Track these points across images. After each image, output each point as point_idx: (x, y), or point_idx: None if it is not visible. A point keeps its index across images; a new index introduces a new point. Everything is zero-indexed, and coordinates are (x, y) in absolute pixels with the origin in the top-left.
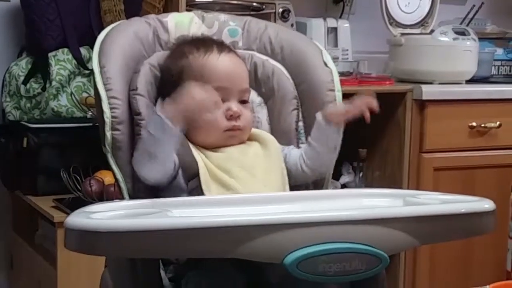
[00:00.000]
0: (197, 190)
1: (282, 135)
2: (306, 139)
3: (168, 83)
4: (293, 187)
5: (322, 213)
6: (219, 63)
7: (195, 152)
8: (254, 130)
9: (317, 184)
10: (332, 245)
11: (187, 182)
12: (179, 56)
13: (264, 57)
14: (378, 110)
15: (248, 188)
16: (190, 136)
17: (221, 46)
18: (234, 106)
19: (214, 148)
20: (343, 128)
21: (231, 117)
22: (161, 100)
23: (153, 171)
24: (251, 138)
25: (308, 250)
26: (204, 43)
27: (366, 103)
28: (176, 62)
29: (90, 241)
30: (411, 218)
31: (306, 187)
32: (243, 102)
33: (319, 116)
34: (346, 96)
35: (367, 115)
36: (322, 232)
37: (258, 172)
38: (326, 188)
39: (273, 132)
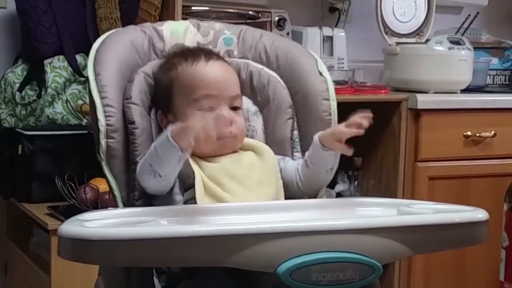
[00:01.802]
0: (192, 202)
1: (277, 144)
2: (301, 148)
3: (159, 95)
4: (288, 199)
5: (315, 222)
6: (207, 70)
7: (192, 162)
8: (249, 140)
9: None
10: (326, 255)
11: (183, 192)
12: (168, 68)
13: (260, 66)
14: (371, 122)
15: (240, 200)
16: None
17: (209, 54)
18: (226, 112)
19: (208, 157)
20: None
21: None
22: (161, 114)
23: (155, 185)
24: (245, 148)
25: (301, 259)
26: (192, 53)
27: (359, 123)
28: (166, 74)
29: (83, 249)
30: (405, 227)
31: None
32: (235, 108)
33: (316, 138)
34: (341, 105)
35: (361, 132)
36: (316, 241)
37: (251, 183)
38: (321, 196)
39: (268, 140)
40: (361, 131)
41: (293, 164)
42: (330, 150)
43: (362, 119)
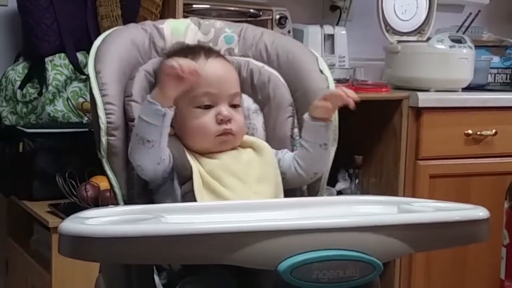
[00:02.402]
0: (190, 194)
1: (277, 142)
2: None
3: None
4: (288, 191)
5: (316, 220)
6: (206, 68)
7: (189, 157)
8: (248, 137)
9: (312, 189)
10: (326, 252)
11: (181, 185)
12: None
13: (260, 64)
14: (356, 99)
15: (239, 197)
16: (184, 142)
17: (209, 52)
18: (225, 110)
19: (208, 154)
20: (332, 125)
21: (222, 121)
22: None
23: (147, 158)
24: (245, 145)
25: (302, 257)
26: (192, 51)
27: (343, 94)
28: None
29: (84, 247)
30: (405, 225)
31: (301, 192)
32: (234, 106)
33: (306, 115)
34: None
35: (351, 103)
36: (316, 239)
37: (250, 180)
38: (321, 194)
39: (268, 138)
40: (351, 102)
41: (291, 154)
42: (318, 120)
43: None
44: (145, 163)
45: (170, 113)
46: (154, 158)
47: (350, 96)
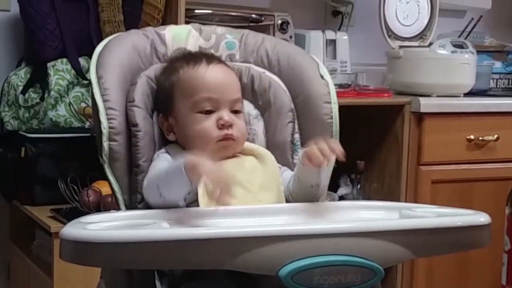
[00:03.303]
0: (194, 205)
1: (278, 147)
2: None
3: (160, 98)
4: None
5: (317, 226)
6: (208, 74)
7: None
8: (250, 145)
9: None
10: (327, 258)
11: (185, 197)
12: (170, 72)
13: (261, 70)
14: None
15: (243, 205)
16: (186, 148)
17: (210, 58)
18: (226, 115)
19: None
20: (327, 168)
21: (223, 126)
22: (161, 117)
23: (157, 203)
24: (246, 153)
25: (303, 262)
26: (194, 57)
27: (320, 156)
28: (167, 78)
29: (85, 252)
30: (407, 231)
31: None
32: (235, 112)
33: (299, 154)
34: (344, 108)
35: (332, 159)
36: (317, 244)
37: (252, 187)
38: (323, 199)
39: (269, 144)
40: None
41: (288, 176)
42: (312, 166)
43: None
44: (155, 206)
45: (195, 190)
46: (165, 206)
47: (332, 151)
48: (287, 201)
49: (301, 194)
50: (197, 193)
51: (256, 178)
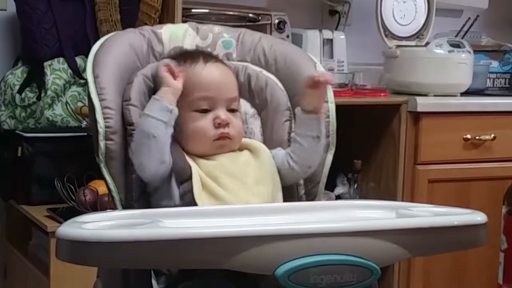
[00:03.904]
0: (189, 195)
1: (275, 146)
2: None
3: None
4: (286, 190)
5: (313, 225)
6: (205, 72)
7: (188, 159)
8: (244, 139)
9: (310, 193)
10: (324, 257)
11: (179, 185)
12: None
13: (258, 69)
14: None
15: (237, 197)
16: (182, 146)
17: (208, 57)
18: (222, 114)
19: (205, 156)
20: (324, 118)
21: (219, 125)
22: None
23: (151, 155)
24: (242, 147)
25: (299, 261)
26: (191, 55)
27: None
28: None
29: (81, 251)
30: (403, 230)
31: (299, 197)
32: (232, 110)
33: (297, 109)
34: (341, 107)
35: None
36: (314, 243)
37: (247, 181)
38: (319, 199)
39: (265, 143)
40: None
41: (283, 150)
42: (310, 113)
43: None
44: (149, 160)
45: (175, 110)
46: (159, 155)
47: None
48: (289, 171)
49: (303, 153)
50: (191, 183)
51: (251, 172)
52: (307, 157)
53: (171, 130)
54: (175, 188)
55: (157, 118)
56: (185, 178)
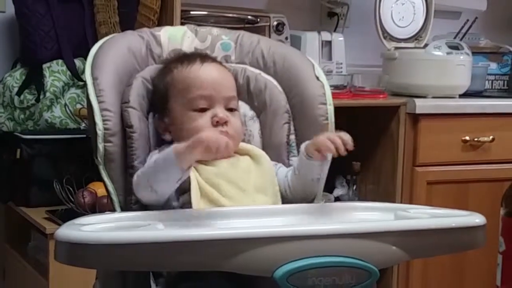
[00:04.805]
0: (188, 207)
1: (273, 148)
2: (298, 152)
3: (156, 100)
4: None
5: (312, 227)
6: (201, 72)
7: None
8: (245, 145)
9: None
10: (322, 259)
11: (178, 196)
12: (165, 73)
13: (257, 71)
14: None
15: (237, 204)
16: None
17: (204, 57)
18: (220, 112)
19: (205, 160)
20: (328, 161)
21: (217, 123)
22: (157, 119)
23: (148, 198)
24: (242, 153)
25: (298, 263)
26: (188, 57)
27: (332, 146)
28: (162, 79)
29: (79, 253)
30: (402, 232)
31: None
32: (231, 110)
33: (302, 147)
34: (340, 109)
35: (342, 150)
36: (312, 245)
37: (247, 187)
38: (318, 200)
39: (264, 145)
40: (335, 152)
41: (284, 171)
42: (312, 159)
43: (340, 141)
44: (146, 201)
45: (185, 177)
46: (156, 202)
47: (342, 141)
48: (284, 195)
49: (300, 188)
50: (190, 194)
51: (251, 178)
52: (304, 193)
53: (175, 187)
54: (175, 201)
55: (164, 180)
56: (183, 190)
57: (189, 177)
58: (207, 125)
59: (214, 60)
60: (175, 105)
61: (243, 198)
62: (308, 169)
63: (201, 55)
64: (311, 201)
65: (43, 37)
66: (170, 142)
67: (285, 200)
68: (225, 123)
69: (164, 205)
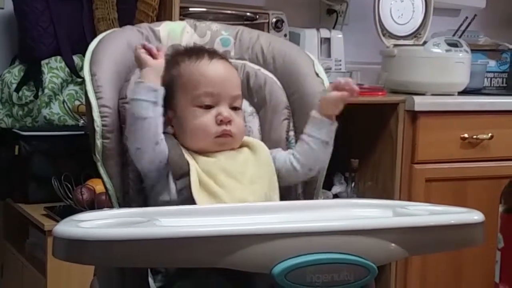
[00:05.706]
0: (186, 191)
1: (273, 145)
2: None
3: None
4: (283, 190)
5: (311, 223)
6: (209, 68)
7: (186, 154)
8: (245, 137)
9: (308, 192)
10: (321, 256)
11: (175, 180)
12: (171, 65)
13: (257, 67)
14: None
15: (233, 196)
16: (182, 141)
17: (213, 54)
18: (225, 111)
19: (204, 153)
20: (336, 123)
21: (222, 122)
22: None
23: (145, 138)
24: (241, 145)
25: (296, 260)
26: (196, 52)
27: (346, 84)
28: (168, 71)
29: (77, 249)
30: (400, 229)
31: (297, 196)
32: (235, 108)
33: (313, 111)
34: None
35: (356, 93)
36: (311, 242)
37: (245, 179)
38: (317, 197)
39: (264, 141)
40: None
41: (285, 151)
42: (326, 117)
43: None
44: (144, 144)
45: (161, 89)
46: (152, 136)
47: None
48: (290, 171)
49: (310, 154)
50: (189, 179)
51: (248, 170)
52: (312, 160)
53: (160, 110)
54: (171, 184)
55: (145, 100)
56: (181, 173)
57: (188, 163)
58: (211, 122)
59: (222, 57)
60: (180, 99)
61: (239, 190)
62: (320, 129)
63: (209, 51)
64: (311, 197)
65: (42, 34)
66: (171, 135)
67: (290, 175)
68: (229, 122)
69: (162, 189)
